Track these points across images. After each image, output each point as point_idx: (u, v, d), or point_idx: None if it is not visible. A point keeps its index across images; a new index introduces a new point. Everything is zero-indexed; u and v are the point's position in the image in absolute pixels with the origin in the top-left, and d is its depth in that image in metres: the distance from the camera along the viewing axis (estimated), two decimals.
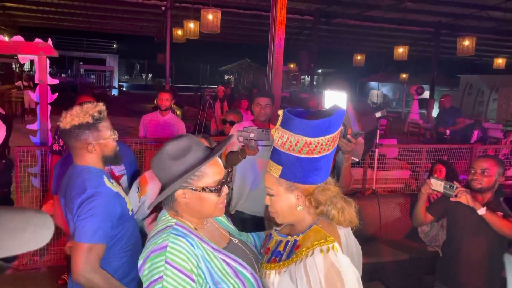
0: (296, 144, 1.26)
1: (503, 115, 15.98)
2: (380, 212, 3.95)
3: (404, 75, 19.42)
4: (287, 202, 1.33)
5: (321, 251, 1.21)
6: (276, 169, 1.31)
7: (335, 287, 1.16)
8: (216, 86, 11.05)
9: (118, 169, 2.38)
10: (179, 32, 10.21)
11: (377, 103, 23.92)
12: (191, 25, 8.29)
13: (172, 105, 7.89)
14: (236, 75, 31.15)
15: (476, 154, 5.03)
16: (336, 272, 1.18)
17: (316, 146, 1.24)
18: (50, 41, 4.11)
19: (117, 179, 2.34)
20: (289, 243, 1.34)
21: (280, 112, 1.30)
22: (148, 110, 6.33)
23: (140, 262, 1.25)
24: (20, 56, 4.19)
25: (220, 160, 1.40)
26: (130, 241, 1.87)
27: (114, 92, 24.31)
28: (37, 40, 4.06)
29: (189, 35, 8.51)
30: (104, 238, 1.71)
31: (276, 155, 1.32)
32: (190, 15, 8.81)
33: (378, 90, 26.67)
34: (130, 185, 2.37)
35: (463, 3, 9.66)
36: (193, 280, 1.21)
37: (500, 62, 13.02)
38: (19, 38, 4.14)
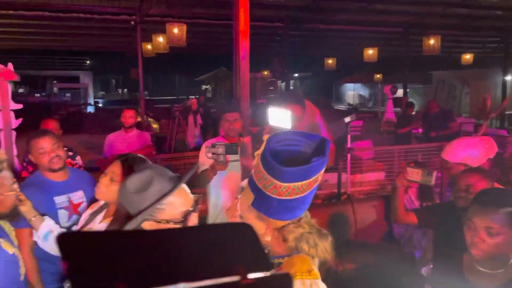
0: (267, 183, 1.21)
1: (475, 109, 16.34)
2: (356, 216, 3.96)
3: (378, 75, 19.70)
4: (257, 229, 1.28)
5: (303, 284, 1.18)
6: (249, 196, 1.26)
7: None
8: (193, 97, 10.97)
9: (77, 196, 2.32)
10: (149, 47, 10.13)
11: (353, 104, 24.19)
12: (160, 39, 8.25)
13: (149, 119, 7.80)
14: (213, 84, 31.09)
15: None
16: None
17: (287, 190, 1.18)
18: (10, 65, 4.00)
19: (75, 207, 2.28)
20: (275, 265, 1.29)
21: (266, 137, 1.23)
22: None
23: None
24: None
25: (187, 190, 1.38)
26: None
27: (90, 109, 23.97)
28: None
29: (158, 49, 8.47)
30: None
31: (252, 182, 1.26)
32: (159, 29, 8.75)
33: (354, 91, 26.98)
34: None
35: (428, 2, 9.86)
36: None
37: (467, 57, 13.33)
38: None
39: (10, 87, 4.00)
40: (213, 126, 9.99)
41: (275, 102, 2.51)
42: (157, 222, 1.31)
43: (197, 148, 8.59)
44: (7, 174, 1.68)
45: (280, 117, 2.30)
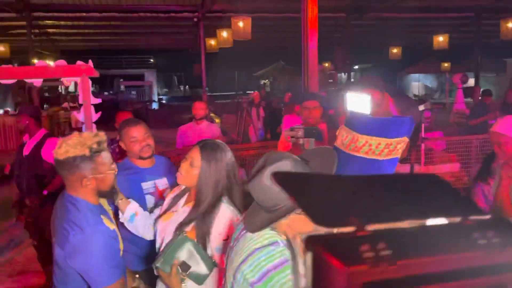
0: (345, 138, 1.24)
1: None
2: None
3: (445, 64, 18.69)
4: None
5: None
6: None
7: None
8: (252, 92, 11.06)
9: (162, 182, 2.42)
10: (212, 42, 10.35)
11: (419, 95, 23.19)
12: (224, 33, 8.38)
13: (211, 114, 7.97)
14: (271, 79, 31.14)
15: None
16: None
17: (364, 145, 1.19)
18: (91, 63, 4.26)
19: (160, 193, 2.38)
20: None
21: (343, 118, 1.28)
22: (187, 121, 6.49)
23: (254, 279, 1.23)
24: (64, 79, 4.38)
25: None
26: None
27: (154, 105, 24.97)
28: (78, 62, 4.22)
29: (223, 44, 8.61)
30: (121, 271, 1.69)
31: (335, 148, 1.31)
32: (222, 24, 8.90)
33: (419, 82, 25.85)
34: None
35: None
36: None
37: None
38: (62, 62, 4.32)
39: (90, 83, 4.27)
40: (273, 117, 10.00)
41: (354, 86, 2.45)
42: (297, 214, 1.27)
43: (261, 140, 8.67)
44: (107, 154, 1.76)
45: (358, 102, 2.24)
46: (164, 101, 28.64)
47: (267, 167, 1.27)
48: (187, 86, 34.76)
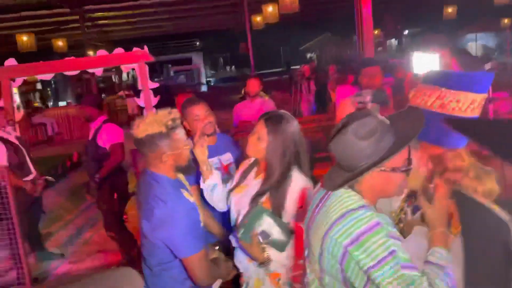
0: (429, 96, 1.22)
1: None
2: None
3: (506, 21, 17.41)
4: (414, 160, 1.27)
5: None
6: None
7: None
8: (299, 67, 10.93)
9: (226, 158, 2.47)
10: (258, 19, 10.27)
11: (477, 56, 21.80)
12: (270, 8, 8.29)
13: (260, 92, 7.99)
14: (318, 51, 30.51)
15: None
16: None
17: (450, 101, 1.17)
18: (146, 49, 4.39)
19: (225, 168, 2.44)
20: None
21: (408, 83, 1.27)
22: (237, 101, 6.54)
23: (346, 241, 1.22)
24: (122, 66, 4.54)
25: None
26: None
27: (204, 88, 25.39)
28: (135, 49, 4.36)
29: (268, 19, 8.53)
30: (202, 242, 1.78)
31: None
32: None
33: (476, 42, 24.29)
34: None
35: None
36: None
37: None
38: (120, 50, 4.48)
39: (147, 69, 4.40)
40: (320, 91, 9.78)
41: (422, 46, 2.35)
42: (382, 170, 1.25)
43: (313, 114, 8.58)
44: (181, 130, 1.81)
45: (426, 63, 2.15)
46: (212, 83, 29.03)
47: (351, 124, 1.25)
48: (233, 67, 34.92)
